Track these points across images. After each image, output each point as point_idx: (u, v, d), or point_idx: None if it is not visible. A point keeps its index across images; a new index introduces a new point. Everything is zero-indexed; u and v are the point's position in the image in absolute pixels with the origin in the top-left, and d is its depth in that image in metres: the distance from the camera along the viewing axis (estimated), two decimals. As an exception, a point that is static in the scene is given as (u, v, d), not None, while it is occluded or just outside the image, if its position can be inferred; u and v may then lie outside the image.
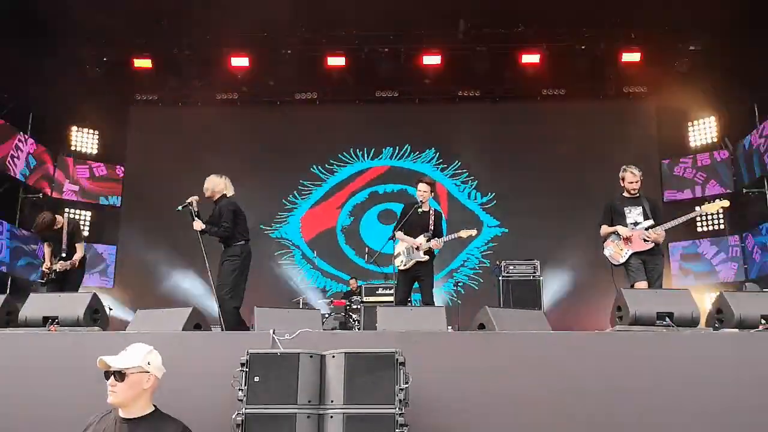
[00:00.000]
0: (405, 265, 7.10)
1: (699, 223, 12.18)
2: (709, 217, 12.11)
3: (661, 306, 4.66)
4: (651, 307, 4.64)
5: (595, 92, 13.04)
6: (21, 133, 11.31)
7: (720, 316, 4.81)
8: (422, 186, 7.24)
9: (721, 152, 12.21)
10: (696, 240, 12.16)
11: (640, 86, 12.98)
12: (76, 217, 12.38)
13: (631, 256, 6.39)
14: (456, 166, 13.40)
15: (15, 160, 11.11)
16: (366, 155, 13.58)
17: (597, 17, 11.32)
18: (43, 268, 7.39)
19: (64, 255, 7.24)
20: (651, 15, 11.09)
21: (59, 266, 7.17)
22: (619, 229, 6.46)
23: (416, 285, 7.26)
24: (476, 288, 12.60)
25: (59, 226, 7.39)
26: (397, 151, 13.57)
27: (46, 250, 7.47)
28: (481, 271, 12.75)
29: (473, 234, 7.28)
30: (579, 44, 12.03)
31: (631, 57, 12.06)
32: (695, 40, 11.78)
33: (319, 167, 13.45)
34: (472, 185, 13.31)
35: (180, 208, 6.55)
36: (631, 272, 6.38)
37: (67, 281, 7.22)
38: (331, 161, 13.49)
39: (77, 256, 7.31)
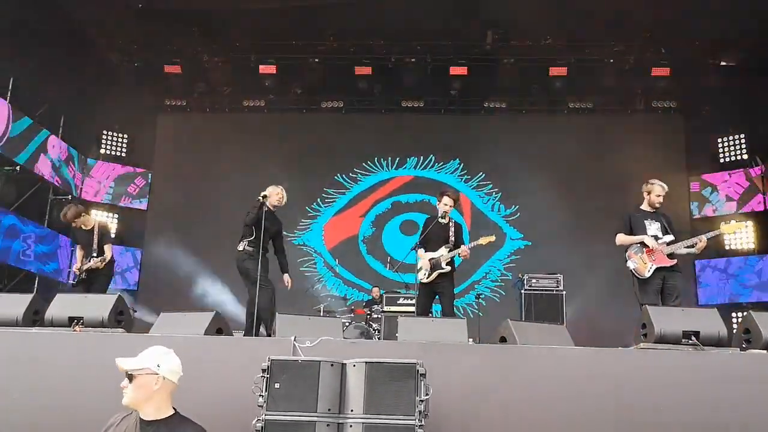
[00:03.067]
0: (427, 277, 7.09)
1: (727, 241, 11.98)
2: (738, 235, 11.90)
3: (688, 325, 4.58)
4: (677, 326, 4.57)
5: (623, 106, 12.94)
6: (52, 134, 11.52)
7: (747, 336, 4.72)
8: (446, 200, 7.19)
9: (752, 169, 12.00)
10: (724, 258, 11.95)
11: (670, 101, 12.83)
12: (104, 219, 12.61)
13: (654, 271, 6.29)
14: (480, 178, 13.35)
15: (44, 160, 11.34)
16: (390, 165, 13.60)
17: (626, 31, 11.23)
18: (74, 269, 7.57)
19: (94, 255, 7.39)
20: (681, 30, 10.97)
21: (89, 264, 7.33)
22: (646, 239, 6.34)
23: (437, 297, 7.24)
24: (497, 300, 12.52)
25: (90, 226, 7.53)
26: (421, 161, 13.57)
27: (78, 253, 7.64)
28: (503, 284, 12.68)
29: (492, 240, 7.23)
30: (607, 58, 11.94)
31: (661, 72, 11.95)
32: (726, 56, 11.63)
33: (344, 176, 13.50)
34: (495, 197, 13.25)
35: (261, 197, 6.78)
36: (645, 293, 6.30)
37: (95, 282, 7.36)
38: (355, 170, 13.54)
39: (105, 256, 7.42)
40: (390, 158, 13.60)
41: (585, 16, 10.52)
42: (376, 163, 13.59)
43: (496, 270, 12.84)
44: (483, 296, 11.59)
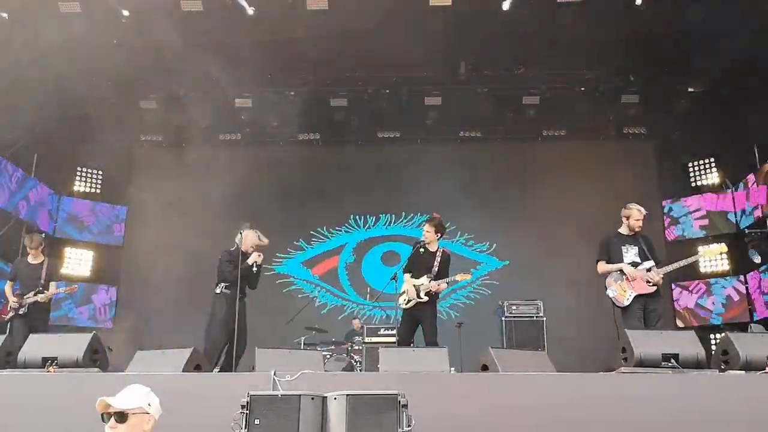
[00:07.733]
0: (407, 303, 7.11)
1: (702, 264, 12.13)
2: (712, 258, 12.06)
3: (666, 347, 4.63)
4: (656, 349, 4.61)
5: (595, 133, 13.15)
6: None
7: (725, 358, 4.77)
8: (426, 226, 7.28)
9: (722, 193, 12.22)
10: (700, 280, 12.09)
11: (640, 127, 13.08)
12: (79, 256, 12.54)
13: (633, 299, 6.31)
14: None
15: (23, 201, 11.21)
16: (369, 194, 13.63)
17: (596, 59, 11.47)
18: (12, 302, 7.61)
19: (39, 289, 7.63)
20: (649, 57, 11.24)
21: (35, 298, 7.51)
22: (625, 267, 6.38)
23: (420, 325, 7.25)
24: (478, 327, 12.49)
25: (38, 261, 7.75)
26: (399, 191, 13.62)
27: (8, 286, 7.80)
28: (478, 296, 12.65)
29: (468, 278, 7.36)
30: (578, 86, 12.18)
31: (630, 99, 12.21)
32: (694, 82, 11.92)
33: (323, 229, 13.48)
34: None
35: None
36: (627, 320, 6.32)
37: (38, 318, 7.52)
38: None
39: (49, 293, 7.64)
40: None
41: (555, 45, 10.74)
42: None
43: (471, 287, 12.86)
44: (461, 323, 11.54)
